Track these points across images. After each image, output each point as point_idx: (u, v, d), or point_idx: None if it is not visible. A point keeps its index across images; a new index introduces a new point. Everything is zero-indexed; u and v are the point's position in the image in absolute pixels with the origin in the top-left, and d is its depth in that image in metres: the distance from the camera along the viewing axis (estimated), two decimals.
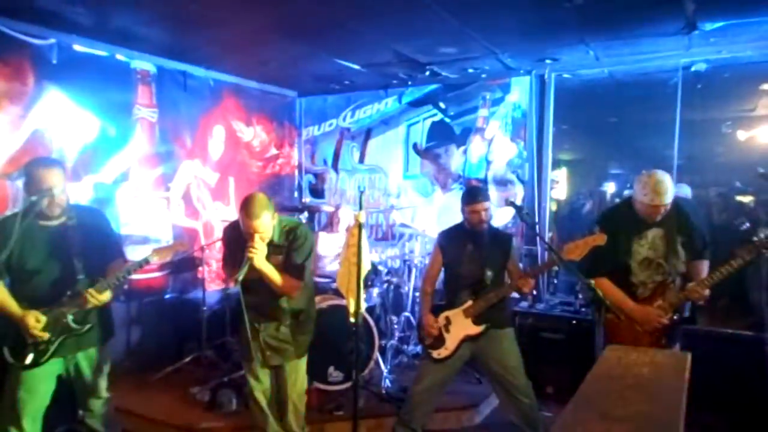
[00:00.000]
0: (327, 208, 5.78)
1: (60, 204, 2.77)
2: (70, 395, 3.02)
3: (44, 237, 2.79)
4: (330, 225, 5.34)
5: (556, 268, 5.21)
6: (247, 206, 2.92)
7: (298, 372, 3.26)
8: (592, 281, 2.87)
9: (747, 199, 5.73)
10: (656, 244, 3.10)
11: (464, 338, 3.34)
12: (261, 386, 3.23)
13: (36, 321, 2.70)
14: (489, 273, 3.35)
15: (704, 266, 3.16)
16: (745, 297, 3.99)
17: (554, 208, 6.02)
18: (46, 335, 2.72)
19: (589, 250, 2.98)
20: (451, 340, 3.35)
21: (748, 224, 3.08)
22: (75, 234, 2.83)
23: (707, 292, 2.98)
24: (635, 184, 3.05)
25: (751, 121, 5.87)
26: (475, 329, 3.31)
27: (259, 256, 2.90)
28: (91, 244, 2.88)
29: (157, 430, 3.92)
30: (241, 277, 2.84)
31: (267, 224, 2.95)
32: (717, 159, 5.99)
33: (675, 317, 3.05)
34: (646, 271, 3.11)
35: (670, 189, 2.95)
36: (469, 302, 3.33)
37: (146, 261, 2.89)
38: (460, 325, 3.34)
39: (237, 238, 3.02)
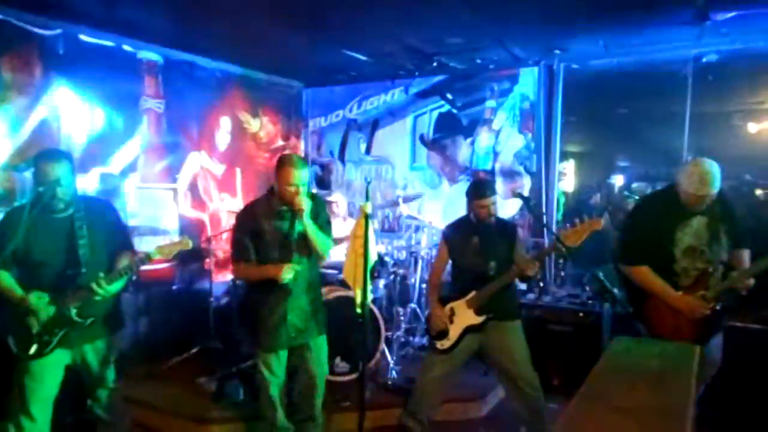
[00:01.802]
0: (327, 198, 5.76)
1: (64, 198, 2.76)
2: (78, 385, 3.03)
3: (51, 229, 2.80)
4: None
5: (562, 260, 5.20)
6: (291, 159, 3.04)
7: (322, 349, 3.31)
8: (600, 272, 2.86)
9: (759, 192, 5.67)
10: (700, 232, 3.03)
11: (466, 328, 3.33)
12: (277, 380, 3.24)
13: (38, 299, 2.71)
14: (493, 265, 3.33)
15: (746, 255, 3.12)
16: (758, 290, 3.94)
17: (562, 200, 5.98)
18: (50, 310, 2.74)
19: (587, 235, 2.95)
20: (454, 331, 3.35)
21: None
22: (82, 226, 2.83)
23: (752, 281, 2.95)
24: (680, 173, 2.97)
25: (762, 113, 5.80)
26: (476, 319, 3.31)
27: (306, 210, 3.00)
28: (98, 236, 2.88)
29: (165, 420, 3.94)
30: (291, 275, 2.99)
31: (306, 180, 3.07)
32: (728, 152, 5.92)
33: (717, 307, 2.99)
34: (689, 259, 3.04)
35: (717, 178, 2.87)
36: (473, 293, 3.32)
37: (148, 257, 2.88)
38: (462, 316, 3.34)
39: (251, 226, 3.04)
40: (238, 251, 3.16)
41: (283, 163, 3.04)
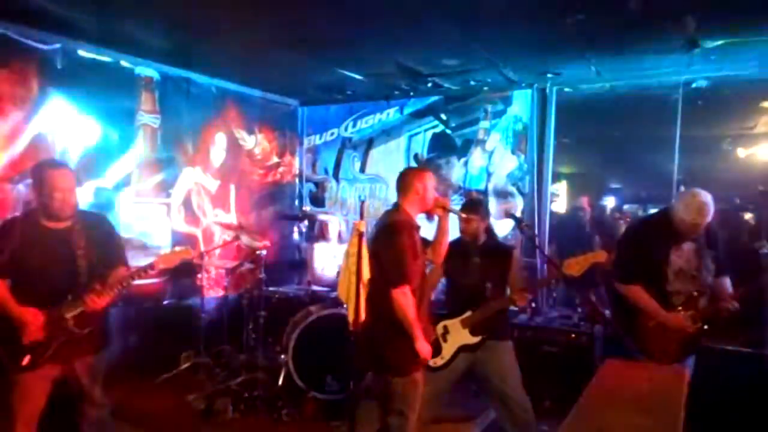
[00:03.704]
0: (321, 217, 5.77)
1: (71, 205, 2.78)
2: (66, 401, 3.00)
3: (49, 239, 2.80)
4: (322, 236, 5.36)
5: (554, 282, 5.21)
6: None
7: None
8: (593, 295, 2.88)
9: (747, 216, 5.74)
10: (690, 257, 3.24)
11: (460, 347, 3.34)
12: None
13: (33, 317, 2.69)
14: (489, 285, 3.37)
15: (727, 282, 3.31)
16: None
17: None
18: (41, 334, 2.71)
19: (589, 266, 3.07)
20: (447, 349, 3.35)
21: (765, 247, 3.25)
22: (80, 238, 2.83)
23: (736, 304, 3.14)
24: (678, 202, 3.18)
25: (751, 138, 5.89)
26: (472, 339, 3.32)
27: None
28: (96, 249, 2.89)
29: None
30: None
31: None
32: (717, 175, 6.01)
33: (705, 327, 3.19)
34: (681, 281, 3.24)
35: (712, 210, 3.09)
36: (468, 313, 3.34)
37: (151, 267, 2.90)
38: (457, 335, 3.35)
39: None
40: (407, 273, 2.86)
41: (423, 169, 3.21)
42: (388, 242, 2.88)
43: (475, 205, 3.48)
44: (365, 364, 3.11)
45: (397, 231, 2.89)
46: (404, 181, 3.06)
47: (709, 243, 3.27)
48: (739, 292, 3.18)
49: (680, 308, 3.21)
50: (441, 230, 3.10)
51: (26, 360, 2.72)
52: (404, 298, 2.80)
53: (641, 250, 3.26)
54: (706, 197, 3.09)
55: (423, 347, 2.86)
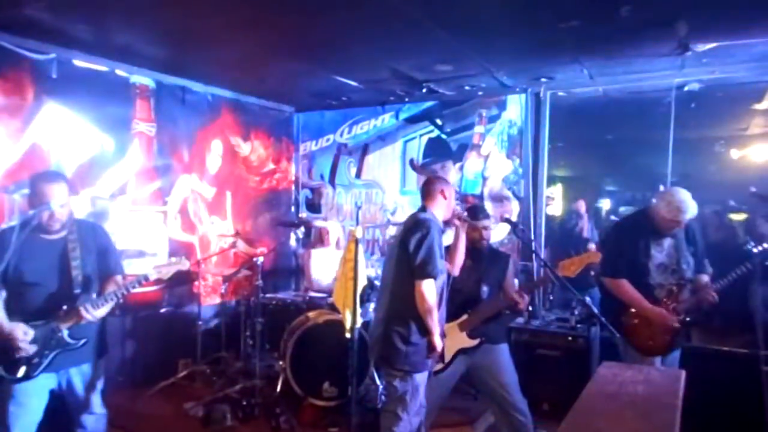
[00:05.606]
0: (319, 223, 5.77)
1: (60, 219, 2.78)
2: (64, 411, 2.99)
3: (44, 250, 2.80)
4: (320, 241, 5.36)
5: (551, 285, 5.23)
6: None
7: None
8: (588, 298, 2.91)
9: (741, 217, 5.77)
10: (670, 252, 3.40)
11: (459, 351, 3.35)
12: None
13: (24, 334, 2.69)
14: (485, 289, 3.40)
15: (706, 278, 3.45)
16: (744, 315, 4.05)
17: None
18: (32, 348, 2.70)
19: (584, 267, 3.12)
20: (446, 353, 3.35)
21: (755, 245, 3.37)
22: (75, 248, 2.83)
23: (716, 296, 3.30)
24: (658, 200, 3.34)
25: (743, 140, 5.93)
26: (470, 342, 3.34)
27: None
28: (91, 260, 2.89)
29: None
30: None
31: None
32: (710, 177, 6.05)
33: (688, 319, 3.36)
34: (663, 275, 3.39)
35: (692, 207, 3.23)
36: (465, 316, 3.35)
37: (145, 278, 2.90)
38: (455, 339, 3.36)
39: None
40: (435, 266, 2.92)
41: (446, 179, 3.23)
42: (419, 236, 2.95)
43: (479, 210, 3.52)
44: (374, 360, 3.20)
45: (429, 227, 2.98)
46: (431, 188, 3.18)
47: (689, 239, 3.43)
48: (720, 283, 3.32)
49: (664, 300, 3.36)
50: (457, 239, 3.23)
51: (21, 371, 2.71)
52: (429, 290, 2.88)
53: (624, 245, 3.42)
54: (686, 195, 3.23)
55: (438, 341, 2.95)
